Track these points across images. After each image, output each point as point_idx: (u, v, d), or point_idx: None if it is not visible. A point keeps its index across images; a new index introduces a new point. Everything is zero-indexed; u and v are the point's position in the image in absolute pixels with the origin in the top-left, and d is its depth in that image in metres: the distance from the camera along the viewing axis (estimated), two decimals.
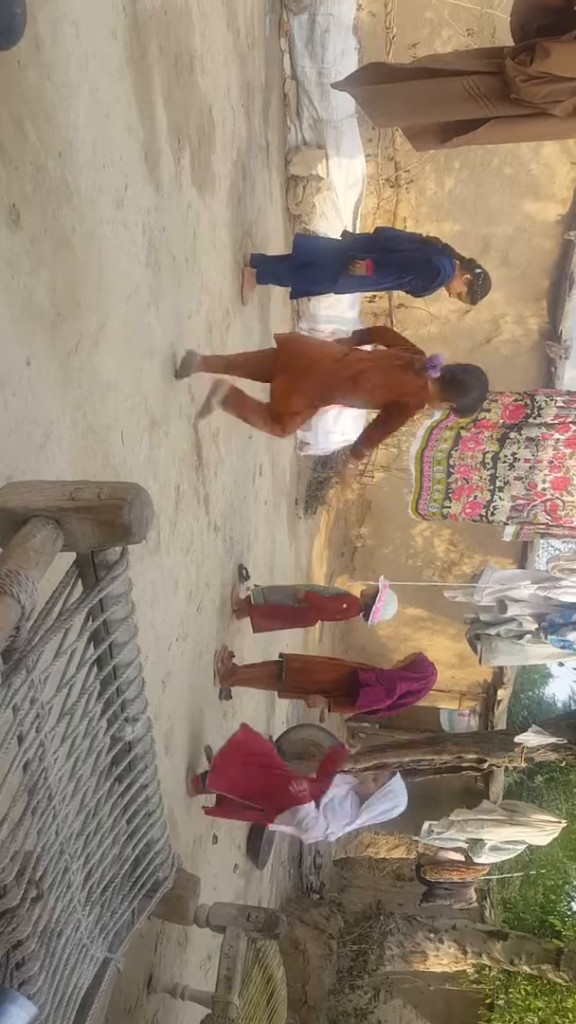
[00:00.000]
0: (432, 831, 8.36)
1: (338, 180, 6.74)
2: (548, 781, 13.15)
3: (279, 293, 6.30)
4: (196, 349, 3.96)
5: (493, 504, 6.39)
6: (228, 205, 4.77)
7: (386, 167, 7.66)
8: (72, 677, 1.61)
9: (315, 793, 4.20)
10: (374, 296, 7.85)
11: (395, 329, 8.18)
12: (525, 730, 7.37)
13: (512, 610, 6.56)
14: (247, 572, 5.68)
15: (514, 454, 6.17)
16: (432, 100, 4.01)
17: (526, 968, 8.53)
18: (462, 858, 8.67)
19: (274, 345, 4.19)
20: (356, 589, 6.94)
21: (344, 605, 5.49)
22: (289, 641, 7.25)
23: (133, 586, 1.67)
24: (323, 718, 8.86)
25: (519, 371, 8.54)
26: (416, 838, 9.00)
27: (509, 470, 6.22)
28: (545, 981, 8.61)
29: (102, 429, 2.94)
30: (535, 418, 6.11)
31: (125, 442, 3.17)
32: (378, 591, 5.37)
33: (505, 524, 6.54)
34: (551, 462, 6.15)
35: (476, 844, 8.28)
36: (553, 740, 7.22)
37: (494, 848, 8.23)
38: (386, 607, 5.38)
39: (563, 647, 6.48)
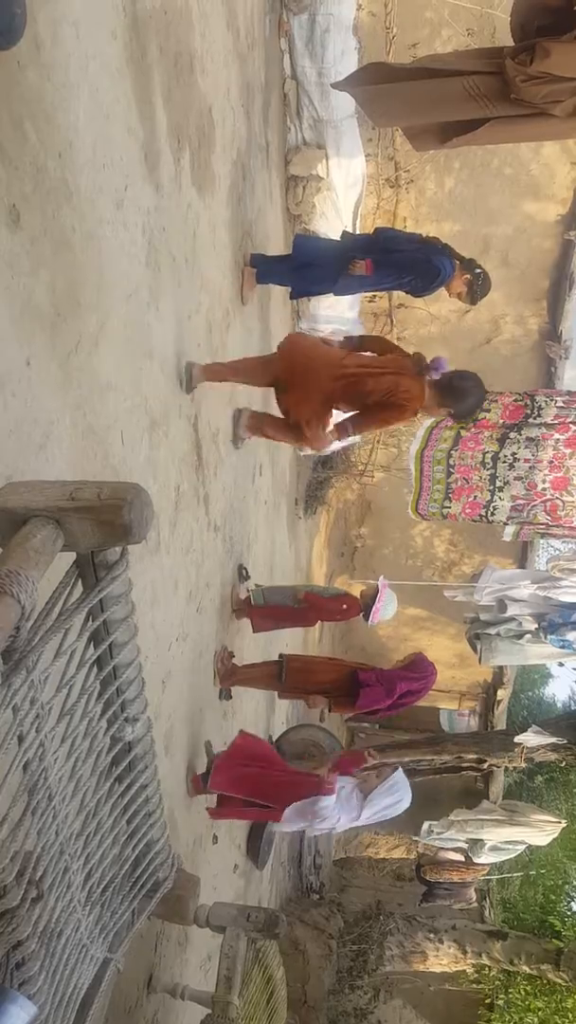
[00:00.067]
0: (432, 831, 8.36)
1: (338, 180, 6.74)
2: (548, 781, 13.15)
3: (279, 293, 6.30)
4: (195, 360, 3.97)
5: (493, 504, 6.39)
6: (228, 205, 4.77)
7: (386, 167, 7.66)
8: (72, 677, 1.61)
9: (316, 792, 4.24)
10: (374, 296, 7.85)
11: (395, 328, 8.20)
12: (525, 730, 7.38)
13: (512, 610, 6.56)
14: (247, 572, 5.68)
15: (514, 454, 6.17)
16: (432, 100, 4.01)
17: (526, 968, 8.53)
18: (462, 858, 8.67)
19: (274, 351, 4.22)
20: (356, 589, 6.94)
21: (344, 606, 5.49)
22: (289, 641, 7.25)
23: (133, 586, 1.67)
24: (323, 718, 8.86)
25: (519, 371, 8.54)
26: (416, 838, 8.99)
27: (509, 470, 6.22)
28: (545, 981, 8.61)
29: (102, 429, 2.94)
30: (535, 418, 6.11)
31: (125, 442, 3.17)
32: (378, 591, 5.37)
33: (505, 524, 6.54)
34: (551, 462, 6.15)
35: (476, 844, 8.28)
36: (553, 740, 7.23)
37: (494, 848, 8.23)
38: (386, 607, 5.38)
39: (563, 647, 6.48)
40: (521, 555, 9.75)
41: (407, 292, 5.39)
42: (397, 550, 10.67)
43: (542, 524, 6.40)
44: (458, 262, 4.91)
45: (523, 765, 7.83)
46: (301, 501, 8.65)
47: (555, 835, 8.03)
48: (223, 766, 4.40)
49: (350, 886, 10.13)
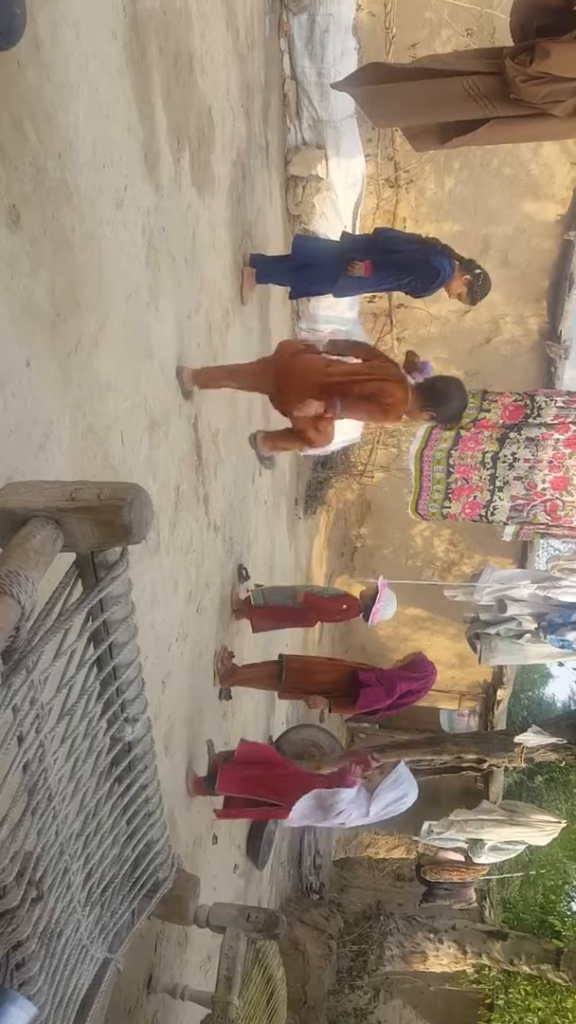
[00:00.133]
0: (432, 831, 8.36)
1: (338, 180, 6.74)
2: (548, 781, 13.15)
3: (279, 293, 6.30)
4: (189, 363, 3.98)
5: (493, 504, 6.39)
6: (227, 205, 4.77)
7: (386, 167, 7.66)
8: (72, 677, 1.61)
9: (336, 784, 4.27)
10: (373, 296, 7.85)
11: (394, 328, 8.21)
12: (525, 730, 7.38)
13: (512, 609, 6.56)
14: (247, 572, 5.68)
15: (514, 454, 6.17)
16: (432, 100, 4.01)
17: (526, 968, 8.53)
18: (462, 858, 8.67)
19: (259, 361, 4.27)
20: (356, 589, 6.94)
21: (344, 606, 5.49)
22: (289, 641, 7.25)
23: (133, 586, 1.67)
24: (323, 718, 8.85)
25: (519, 371, 8.54)
26: (416, 838, 9.00)
27: (509, 470, 6.22)
28: (545, 981, 8.61)
29: (102, 429, 2.94)
30: (535, 418, 6.11)
31: (125, 442, 3.17)
32: (377, 591, 5.37)
33: (505, 524, 6.54)
34: (551, 462, 6.15)
35: (476, 844, 8.28)
36: (553, 740, 7.22)
37: (494, 848, 8.23)
38: (385, 607, 5.38)
39: (562, 647, 6.48)
40: (521, 555, 9.75)
41: (407, 293, 5.39)
42: (397, 550, 10.67)
43: (542, 524, 6.40)
44: (457, 263, 4.91)
45: (523, 765, 7.83)
46: (301, 501, 8.65)
47: (555, 835, 8.03)
48: (229, 769, 4.41)
49: (350, 886, 10.13)
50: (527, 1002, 8.69)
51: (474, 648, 7.08)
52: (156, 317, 3.48)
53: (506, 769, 9.35)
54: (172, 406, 3.81)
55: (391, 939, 8.70)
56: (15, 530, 1.35)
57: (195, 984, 4.26)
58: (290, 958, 7.29)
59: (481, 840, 8.21)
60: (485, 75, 3.83)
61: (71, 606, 1.49)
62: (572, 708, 15.21)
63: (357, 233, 6.55)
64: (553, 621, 6.43)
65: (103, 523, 1.37)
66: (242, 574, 5.59)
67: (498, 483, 6.29)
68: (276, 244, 6.28)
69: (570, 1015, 8.59)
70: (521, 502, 6.34)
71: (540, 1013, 8.66)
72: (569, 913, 11.22)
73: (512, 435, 6.17)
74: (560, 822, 8.03)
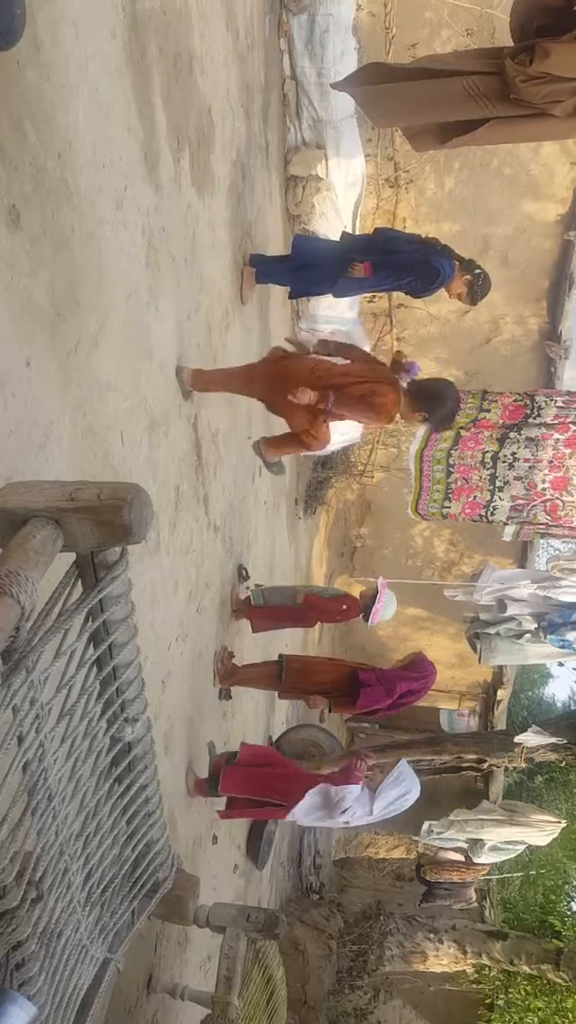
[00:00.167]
0: (432, 831, 8.35)
1: (337, 180, 6.74)
2: (548, 781, 13.15)
3: (278, 293, 6.30)
4: (188, 363, 3.98)
5: (493, 504, 6.39)
6: (227, 205, 4.77)
7: (385, 167, 7.66)
8: (72, 678, 1.61)
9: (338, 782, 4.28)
10: (373, 296, 7.85)
11: (394, 328, 8.21)
12: (525, 730, 7.37)
13: (512, 609, 6.56)
14: (247, 572, 5.68)
15: (514, 454, 6.17)
16: (432, 100, 4.01)
17: (526, 968, 8.53)
18: (462, 858, 8.67)
19: (252, 363, 4.29)
20: (355, 589, 6.94)
21: (344, 606, 5.49)
22: (289, 641, 7.25)
23: (133, 586, 1.67)
24: (323, 718, 8.86)
25: (519, 371, 8.54)
26: (416, 838, 8.99)
27: (509, 470, 6.22)
28: (545, 981, 8.61)
29: (102, 429, 2.94)
30: (535, 418, 6.11)
31: (125, 442, 3.17)
32: (377, 592, 5.37)
33: (505, 524, 6.54)
34: (551, 462, 6.15)
35: (476, 844, 8.28)
36: (553, 740, 7.22)
37: (494, 848, 8.23)
38: (385, 607, 5.38)
39: (562, 647, 6.48)
40: (521, 555, 9.75)
41: (406, 293, 5.39)
42: (397, 550, 10.67)
43: (542, 524, 6.40)
44: (457, 263, 4.91)
45: (523, 765, 7.83)
46: (301, 501, 8.65)
47: (555, 835, 8.02)
48: (231, 771, 4.42)
49: (350, 886, 10.13)
50: (527, 1002, 8.69)
51: (474, 648, 7.08)
52: (156, 317, 3.48)
53: (506, 769, 9.35)
54: (172, 406, 3.81)
55: (391, 939, 8.70)
56: (15, 530, 1.35)
57: (195, 984, 4.26)
58: (290, 958, 7.30)
59: (481, 840, 8.21)
60: (485, 75, 3.83)
61: (71, 606, 1.49)
62: (572, 708, 15.21)
63: (357, 233, 6.55)
64: (553, 621, 6.43)
65: (103, 523, 1.37)
66: (242, 574, 5.59)
67: (498, 483, 6.29)
68: (276, 244, 6.28)
69: (570, 1015, 8.59)
70: (521, 502, 6.34)
71: (540, 1013, 8.66)
72: (569, 913, 11.22)
73: (512, 435, 6.17)
74: (560, 822, 8.02)
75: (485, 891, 10.20)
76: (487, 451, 6.25)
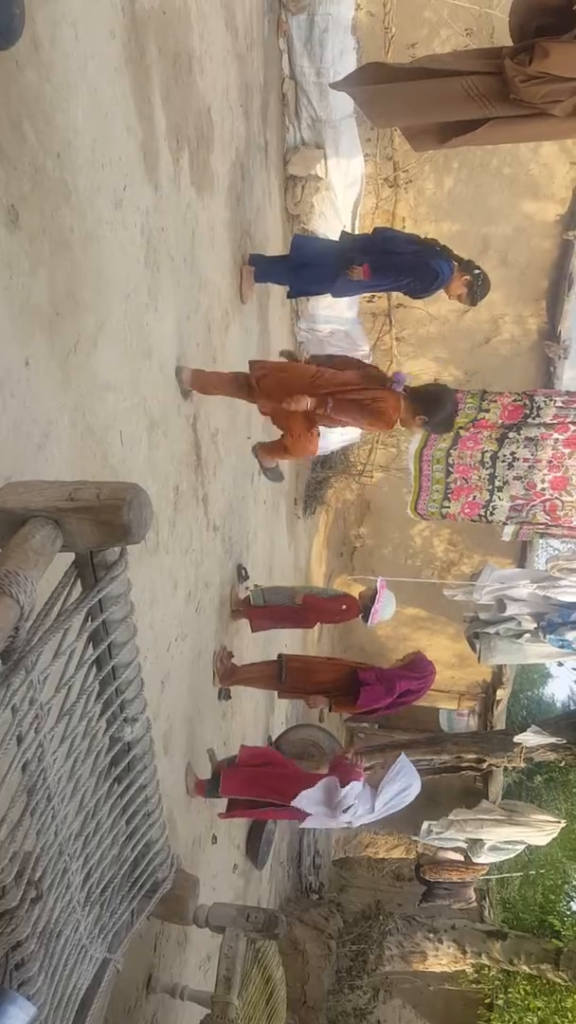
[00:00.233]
0: (431, 831, 8.35)
1: (337, 180, 6.74)
2: (547, 781, 13.15)
3: (278, 293, 6.30)
4: (187, 363, 3.98)
5: (492, 504, 6.39)
6: (227, 205, 4.77)
7: (385, 167, 7.66)
8: (71, 677, 1.61)
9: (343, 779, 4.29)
10: (372, 296, 7.85)
11: (394, 328, 8.21)
12: (524, 730, 7.37)
13: (511, 609, 6.56)
14: (246, 572, 5.68)
15: (513, 454, 6.18)
16: (431, 100, 4.01)
17: (525, 968, 8.53)
18: (461, 858, 8.66)
19: (242, 372, 4.30)
20: (355, 589, 6.93)
21: (343, 606, 5.49)
22: (289, 641, 7.25)
23: (132, 586, 1.67)
24: (322, 718, 8.86)
25: (518, 371, 8.54)
26: (415, 838, 8.99)
27: (508, 470, 6.22)
28: (544, 981, 8.61)
29: (101, 429, 2.94)
30: (534, 418, 6.12)
31: (124, 442, 3.17)
32: (376, 592, 5.37)
33: (504, 524, 6.55)
34: (550, 462, 6.16)
35: (475, 844, 8.28)
36: (552, 740, 7.21)
37: (493, 848, 8.22)
38: (385, 608, 5.38)
39: (561, 646, 6.48)
40: (520, 555, 9.75)
41: (405, 294, 5.39)
42: (396, 550, 10.66)
43: (541, 524, 6.40)
44: (456, 264, 4.91)
45: (522, 765, 7.82)
46: (300, 501, 8.65)
47: (554, 835, 8.02)
48: (231, 772, 4.42)
49: (349, 886, 10.13)
50: (526, 1002, 8.69)
51: (473, 648, 7.08)
52: (155, 317, 3.48)
53: (505, 769, 9.35)
54: (171, 406, 3.81)
55: (390, 939, 8.70)
56: (14, 530, 1.35)
57: (194, 984, 4.26)
58: (289, 958, 7.29)
59: (480, 840, 8.21)
60: (484, 75, 3.82)
61: (70, 606, 1.49)
62: (571, 708, 15.21)
63: (356, 233, 6.55)
64: (552, 621, 6.43)
65: (102, 523, 1.37)
66: (241, 574, 5.59)
67: (497, 483, 6.29)
68: (275, 244, 6.28)
69: (570, 1015, 8.58)
70: (520, 502, 6.34)
71: (540, 1013, 8.65)
72: (568, 913, 11.22)
73: (511, 435, 6.17)
74: (559, 822, 8.02)
75: (484, 891, 10.20)
76: (486, 451, 6.26)
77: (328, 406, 4.09)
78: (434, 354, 8.75)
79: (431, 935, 8.77)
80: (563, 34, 3.60)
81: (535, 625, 6.56)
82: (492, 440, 6.22)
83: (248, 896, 6.25)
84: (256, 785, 4.46)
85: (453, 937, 8.75)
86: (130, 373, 3.23)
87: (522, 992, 8.72)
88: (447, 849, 8.67)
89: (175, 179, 3.73)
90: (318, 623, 6.60)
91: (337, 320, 7.12)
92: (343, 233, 5.62)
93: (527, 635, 6.64)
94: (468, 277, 4.92)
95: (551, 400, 6.15)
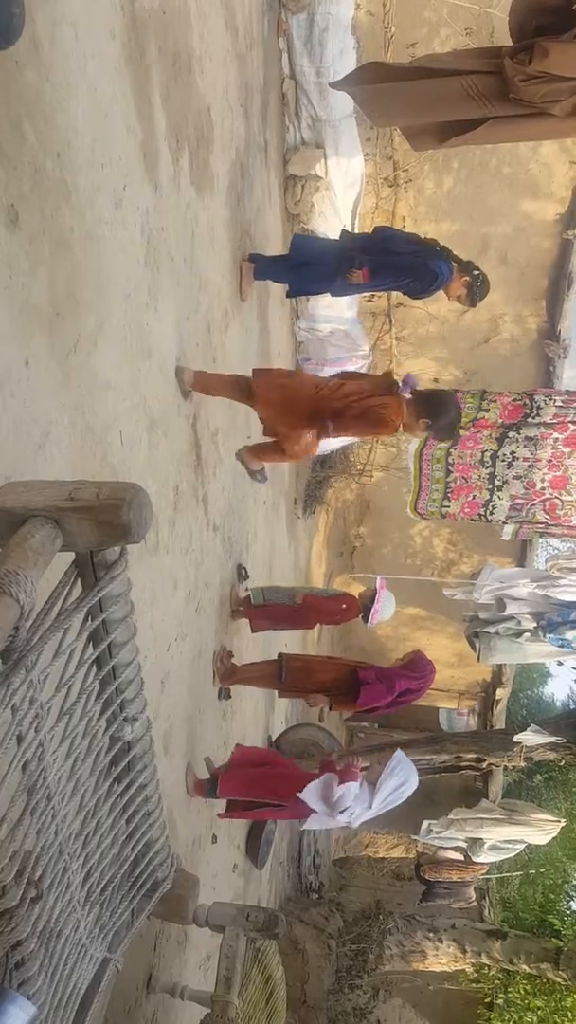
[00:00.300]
0: (431, 830, 8.35)
1: (337, 179, 6.74)
2: (547, 780, 13.16)
3: (277, 292, 6.30)
4: (187, 364, 3.98)
5: (492, 503, 6.39)
6: (227, 205, 4.77)
7: (385, 166, 7.66)
8: (71, 677, 1.61)
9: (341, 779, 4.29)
10: (372, 295, 7.85)
11: (393, 327, 8.21)
12: (524, 729, 7.37)
13: (511, 608, 6.56)
14: (246, 572, 5.68)
15: (513, 453, 6.18)
16: (431, 100, 4.01)
17: (525, 967, 8.53)
18: (461, 857, 8.66)
19: (243, 377, 4.30)
20: (355, 588, 6.93)
21: (343, 606, 5.49)
22: (288, 641, 7.25)
23: (132, 586, 1.67)
24: (322, 717, 8.86)
25: (518, 371, 8.54)
26: (415, 837, 8.99)
27: (508, 469, 6.23)
28: (544, 980, 8.61)
29: (101, 429, 2.94)
30: (534, 418, 6.12)
31: (124, 442, 3.17)
32: (376, 592, 5.38)
33: (504, 523, 6.55)
34: (550, 461, 6.16)
35: (475, 843, 8.28)
36: (552, 739, 7.22)
37: (493, 847, 8.23)
38: (384, 608, 5.38)
39: (561, 646, 6.48)
40: (520, 554, 9.75)
41: (404, 294, 5.40)
42: (396, 549, 10.66)
43: (541, 523, 6.40)
44: (456, 264, 4.91)
45: (522, 764, 7.82)
46: (300, 501, 8.65)
47: (554, 834, 8.03)
48: (229, 774, 4.43)
49: (349, 885, 10.13)
50: (526, 1001, 8.69)
51: (473, 647, 7.09)
52: (155, 317, 3.48)
53: (505, 768, 9.34)
54: (171, 406, 3.81)
55: (390, 938, 8.70)
56: (14, 530, 1.35)
57: (194, 984, 4.27)
58: (289, 957, 7.30)
59: (480, 839, 8.21)
60: (484, 74, 3.83)
61: (70, 605, 1.50)
62: (571, 707, 15.21)
63: (356, 232, 6.55)
64: (552, 620, 6.44)
65: (102, 523, 1.37)
66: (241, 574, 5.59)
67: (497, 482, 6.29)
68: (275, 243, 6.28)
69: (569, 1014, 8.59)
70: (520, 501, 6.34)
71: (539, 1012, 8.66)
72: (569, 912, 11.22)
73: (511, 434, 6.17)
74: (559, 821, 8.03)
75: (484, 890, 10.20)
76: (486, 450, 6.26)
77: (328, 431, 4.11)
78: (434, 354, 8.75)
79: (431, 934, 8.77)
80: (563, 33, 3.60)
81: (535, 624, 6.56)
82: (492, 439, 6.22)
83: (248, 896, 6.25)
84: (254, 786, 4.46)
85: (453, 936, 8.76)
86: (130, 373, 3.23)
87: (522, 991, 8.72)
88: (447, 848, 8.68)
89: (175, 179, 3.73)
90: (318, 623, 6.61)
91: (337, 320, 7.12)
92: (343, 232, 5.62)
93: (527, 634, 6.65)
94: (467, 278, 4.92)
95: (551, 399, 6.15)
